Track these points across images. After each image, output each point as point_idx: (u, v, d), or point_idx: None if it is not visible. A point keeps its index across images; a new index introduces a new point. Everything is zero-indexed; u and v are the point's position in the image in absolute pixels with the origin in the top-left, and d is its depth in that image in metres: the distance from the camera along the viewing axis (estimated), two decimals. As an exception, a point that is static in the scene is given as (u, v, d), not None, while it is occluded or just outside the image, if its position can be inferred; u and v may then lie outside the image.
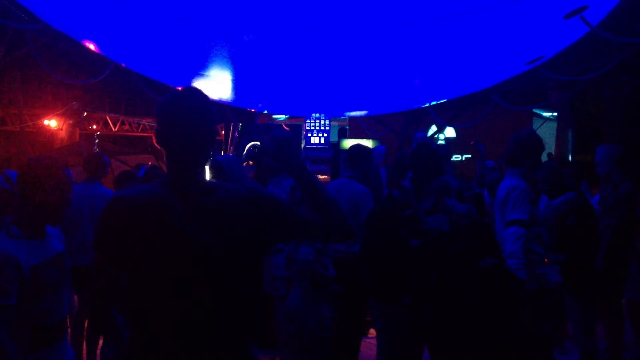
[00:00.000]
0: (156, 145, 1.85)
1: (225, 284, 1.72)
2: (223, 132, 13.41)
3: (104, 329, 1.79)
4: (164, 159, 1.85)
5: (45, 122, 14.79)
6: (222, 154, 13.41)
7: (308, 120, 11.48)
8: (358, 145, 5.37)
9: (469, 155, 14.15)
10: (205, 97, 1.81)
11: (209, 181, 1.85)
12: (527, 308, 3.51)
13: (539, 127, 13.74)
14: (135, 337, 1.72)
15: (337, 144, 11.88)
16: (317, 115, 11.41)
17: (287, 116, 13.89)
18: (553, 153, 12.52)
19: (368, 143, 12.93)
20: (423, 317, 3.55)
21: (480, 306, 3.26)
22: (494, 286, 3.30)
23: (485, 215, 3.74)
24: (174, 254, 1.66)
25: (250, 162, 7.67)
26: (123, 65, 8.26)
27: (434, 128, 15.45)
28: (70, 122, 15.62)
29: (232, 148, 13.07)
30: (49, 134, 15.72)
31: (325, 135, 11.54)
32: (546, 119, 14.19)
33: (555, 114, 13.10)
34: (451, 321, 3.36)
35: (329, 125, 11.60)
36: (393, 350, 3.48)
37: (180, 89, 1.83)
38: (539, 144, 4.00)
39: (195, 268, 1.68)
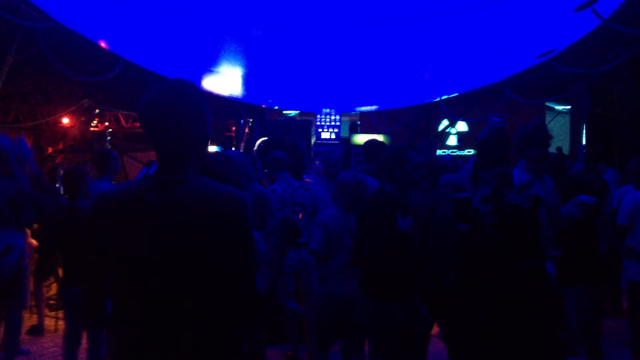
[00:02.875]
0: None
1: (189, 281, 1.67)
2: (234, 128, 13.45)
3: (98, 319, 1.81)
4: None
5: (57, 119, 14.90)
6: (233, 149, 13.45)
7: (318, 116, 11.49)
8: (374, 141, 5.31)
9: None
10: (190, 89, 1.80)
11: (195, 176, 1.76)
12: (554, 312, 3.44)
13: (552, 120, 13.64)
14: (114, 333, 1.77)
15: (348, 139, 11.87)
16: (328, 110, 11.41)
17: (297, 112, 13.89)
18: (567, 146, 12.42)
19: (379, 138, 12.89)
20: (418, 312, 3.52)
21: (509, 306, 3.19)
22: (527, 288, 3.21)
23: (538, 217, 3.60)
24: (140, 245, 1.67)
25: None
26: (134, 62, 8.31)
27: (445, 122, 15.38)
28: (82, 119, 15.71)
29: (242, 144, 13.10)
30: (62, 131, 15.83)
31: (336, 130, 11.54)
32: (559, 112, 14.07)
33: (568, 107, 12.98)
34: (474, 317, 3.29)
35: (340, 120, 11.59)
36: (389, 347, 3.42)
37: (169, 81, 1.82)
38: (542, 135, 3.88)
39: (159, 261, 1.66)
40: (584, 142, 11.53)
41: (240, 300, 1.74)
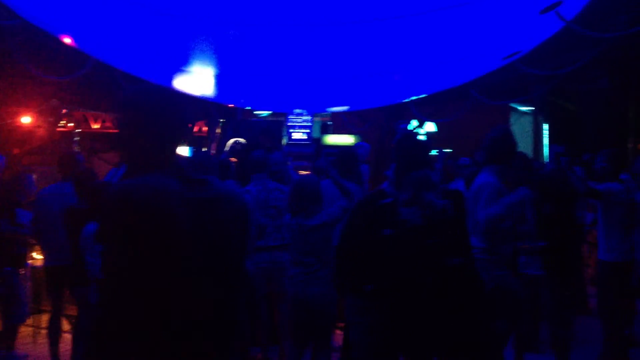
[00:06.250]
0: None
1: (223, 275, 1.73)
2: (206, 129, 13.39)
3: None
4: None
5: (23, 119, 14.62)
6: (204, 150, 13.39)
7: (290, 116, 11.52)
8: (347, 148, 5.40)
9: (450, 150, 14.30)
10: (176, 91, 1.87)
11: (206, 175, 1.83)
12: (485, 308, 3.54)
13: (516, 121, 13.92)
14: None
15: (319, 140, 11.93)
16: (299, 110, 11.45)
17: (269, 112, 13.91)
18: (530, 147, 12.70)
19: (350, 138, 13.02)
20: (392, 313, 3.59)
21: (440, 303, 3.28)
22: (457, 285, 3.32)
23: (463, 213, 3.77)
24: (182, 241, 1.63)
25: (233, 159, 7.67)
26: (103, 61, 8.23)
27: (414, 123, 15.53)
28: (50, 119, 15.44)
29: (214, 144, 13.05)
30: (27, 132, 15.53)
31: (307, 130, 11.59)
32: (524, 113, 14.37)
33: (532, 108, 13.28)
34: (408, 316, 3.37)
35: (312, 121, 11.64)
36: (366, 345, 3.50)
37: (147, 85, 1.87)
38: (513, 143, 4.13)
39: (201, 257, 1.67)
40: (546, 142, 11.81)
41: (241, 294, 1.85)
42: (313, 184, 4.37)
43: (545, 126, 12.07)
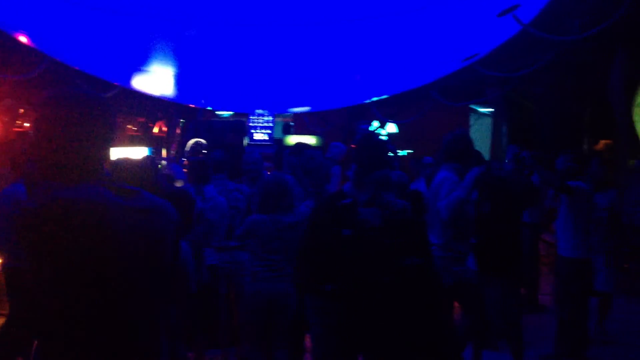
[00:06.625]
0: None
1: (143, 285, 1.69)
2: (166, 129, 13.23)
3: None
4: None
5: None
6: (165, 151, 13.24)
7: (252, 117, 11.47)
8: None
9: (412, 151, 14.45)
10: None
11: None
12: (446, 306, 3.59)
13: (476, 122, 14.17)
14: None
15: (281, 140, 11.92)
16: (261, 111, 11.42)
17: (231, 113, 13.83)
18: (489, 148, 12.92)
19: (312, 139, 13.03)
20: (351, 313, 3.60)
21: (398, 304, 3.31)
22: (416, 285, 3.35)
23: (422, 214, 3.81)
24: (103, 252, 1.58)
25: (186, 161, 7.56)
26: (59, 60, 8.05)
27: (375, 123, 15.68)
28: (5, 119, 15.02)
29: (174, 145, 12.91)
30: (-19, 131, 15.11)
31: (269, 131, 11.56)
32: (483, 114, 14.62)
33: (492, 110, 13.54)
34: (367, 317, 3.39)
35: (273, 121, 11.62)
36: (326, 346, 3.50)
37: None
38: (468, 143, 4.34)
39: (124, 266, 1.63)
40: (504, 144, 12.03)
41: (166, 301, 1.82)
42: (286, 181, 4.36)
43: (505, 127, 12.30)
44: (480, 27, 7.13)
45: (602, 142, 10.85)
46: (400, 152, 14.19)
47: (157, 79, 8.94)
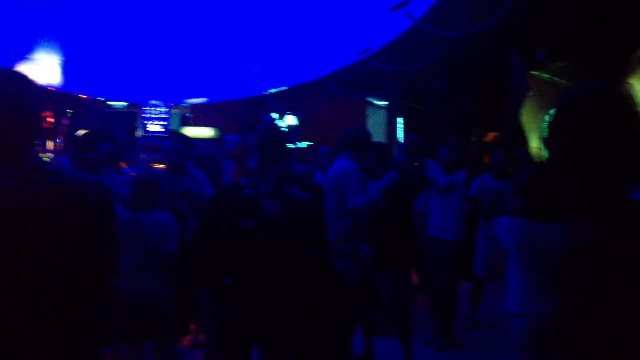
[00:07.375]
0: None
1: (55, 271, 1.52)
2: (52, 120, 12.49)
3: None
4: None
5: None
6: (51, 143, 12.52)
7: (145, 108, 11.10)
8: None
9: (311, 143, 14.58)
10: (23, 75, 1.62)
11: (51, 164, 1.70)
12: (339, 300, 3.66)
13: (372, 114, 14.51)
14: None
15: (177, 132, 11.60)
16: (155, 102, 11.07)
17: (126, 103, 13.29)
18: (384, 139, 13.28)
19: (210, 131, 12.82)
20: (248, 306, 3.57)
21: (296, 296, 3.34)
22: (315, 277, 3.38)
23: (320, 204, 3.83)
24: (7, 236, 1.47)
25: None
26: None
27: (274, 115, 15.67)
28: None
29: (61, 136, 12.22)
30: None
31: (164, 122, 11.24)
32: (379, 107, 15.00)
33: (387, 102, 13.90)
34: (265, 308, 3.39)
35: (169, 112, 11.30)
36: (221, 339, 3.45)
37: None
38: (369, 136, 4.46)
39: (27, 252, 1.49)
40: (400, 135, 12.42)
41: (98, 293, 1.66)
42: (155, 178, 4.18)
43: (400, 120, 12.66)
44: (374, 21, 7.27)
45: (490, 134, 11.45)
46: (300, 144, 14.28)
47: (42, 68, 8.41)
